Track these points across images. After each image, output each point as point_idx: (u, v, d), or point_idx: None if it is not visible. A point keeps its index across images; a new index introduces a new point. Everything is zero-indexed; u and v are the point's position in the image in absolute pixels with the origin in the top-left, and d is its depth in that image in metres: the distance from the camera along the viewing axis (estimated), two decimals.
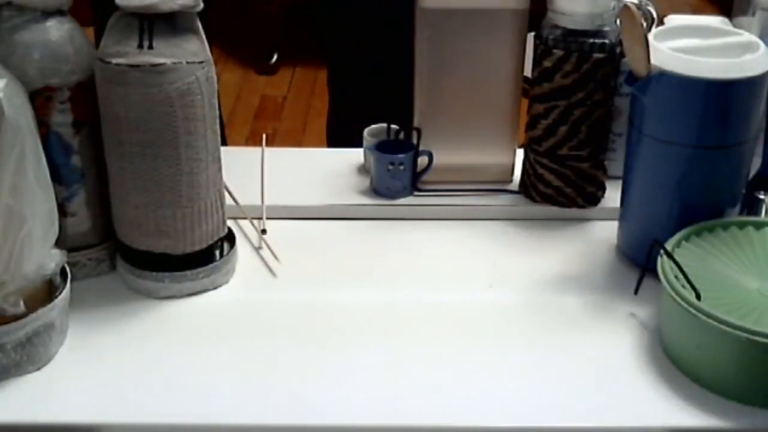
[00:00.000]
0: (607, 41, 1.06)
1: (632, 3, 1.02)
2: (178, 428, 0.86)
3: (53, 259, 0.89)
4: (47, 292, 0.91)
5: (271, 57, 3.18)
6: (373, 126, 1.21)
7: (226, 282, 1.02)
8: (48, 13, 0.93)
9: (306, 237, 1.11)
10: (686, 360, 0.89)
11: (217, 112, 0.97)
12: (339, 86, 1.71)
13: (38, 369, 0.89)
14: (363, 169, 1.21)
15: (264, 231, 1.09)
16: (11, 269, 0.85)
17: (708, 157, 0.97)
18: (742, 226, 0.98)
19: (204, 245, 0.99)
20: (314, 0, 1.69)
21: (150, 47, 0.90)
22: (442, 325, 0.97)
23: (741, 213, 1.04)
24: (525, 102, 1.14)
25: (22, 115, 0.84)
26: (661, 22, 1.13)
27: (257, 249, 1.08)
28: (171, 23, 0.91)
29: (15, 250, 0.84)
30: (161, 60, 0.90)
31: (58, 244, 0.98)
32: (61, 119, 0.95)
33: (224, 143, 1.85)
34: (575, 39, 1.06)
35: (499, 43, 1.11)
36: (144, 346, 0.93)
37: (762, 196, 1.04)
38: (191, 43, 0.92)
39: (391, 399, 0.87)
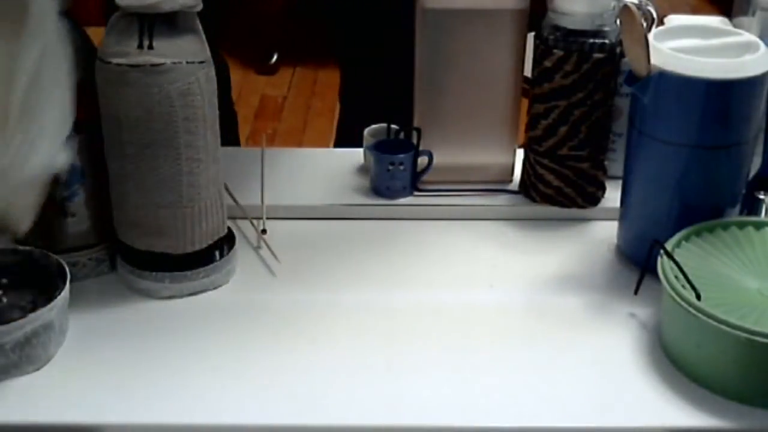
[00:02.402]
0: (607, 41, 1.06)
1: (632, 3, 1.02)
2: (178, 428, 0.86)
3: (62, 156, 0.86)
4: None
5: (271, 57, 3.18)
6: (373, 126, 1.21)
7: (226, 282, 1.02)
8: None
9: (306, 237, 1.11)
10: (686, 360, 0.89)
11: (218, 112, 0.97)
12: (352, 89, 1.71)
13: (37, 369, 0.89)
14: (363, 169, 1.21)
15: (264, 231, 1.09)
16: (19, 161, 0.81)
17: (708, 157, 0.97)
18: (742, 226, 0.98)
19: (204, 245, 0.99)
20: (316, 1, 1.68)
21: (150, 47, 0.90)
22: (442, 325, 0.97)
23: (741, 213, 1.04)
24: (525, 102, 1.14)
25: (48, 4, 0.80)
26: (661, 22, 1.13)
27: (257, 249, 1.08)
28: (171, 23, 0.91)
29: (25, 144, 0.81)
30: (161, 60, 0.90)
31: (58, 244, 0.98)
32: None
33: (238, 143, 1.84)
34: (575, 39, 1.06)
35: (499, 43, 1.11)
36: (144, 346, 0.93)
37: (762, 196, 1.04)
38: (191, 43, 0.92)
39: (391, 399, 0.87)
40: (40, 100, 0.81)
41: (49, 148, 0.84)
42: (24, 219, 0.84)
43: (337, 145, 1.75)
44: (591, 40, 1.06)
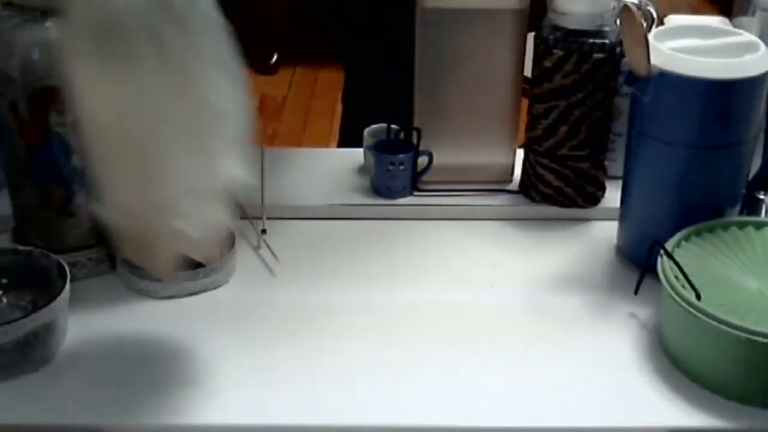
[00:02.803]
0: (607, 41, 1.06)
1: (632, 3, 1.02)
2: (178, 428, 0.86)
3: (244, 170, 0.78)
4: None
5: (271, 57, 3.18)
6: (373, 126, 1.21)
7: (226, 282, 1.02)
8: (48, 13, 0.93)
9: (306, 237, 1.10)
10: (686, 360, 0.89)
11: None
12: (356, 90, 1.70)
13: (37, 370, 0.89)
14: (363, 169, 1.21)
15: (264, 231, 1.09)
16: (206, 176, 0.75)
17: (708, 157, 0.97)
18: (742, 226, 0.98)
19: None
20: (320, 2, 1.67)
21: None
22: (442, 325, 0.97)
23: (741, 213, 1.04)
24: (525, 102, 1.14)
25: (213, 6, 0.76)
26: (661, 22, 1.13)
27: (257, 249, 1.08)
28: None
29: (223, 153, 0.75)
30: None
31: (58, 244, 0.98)
32: (61, 119, 0.95)
33: None
34: (575, 39, 1.06)
35: (499, 43, 1.11)
36: (144, 346, 0.93)
37: (762, 196, 1.04)
38: None
39: (391, 399, 0.87)
40: (221, 101, 0.76)
41: (232, 160, 0.78)
42: (214, 244, 0.80)
43: (341, 146, 1.74)
44: (591, 40, 1.06)
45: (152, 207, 0.75)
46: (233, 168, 0.77)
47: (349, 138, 1.67)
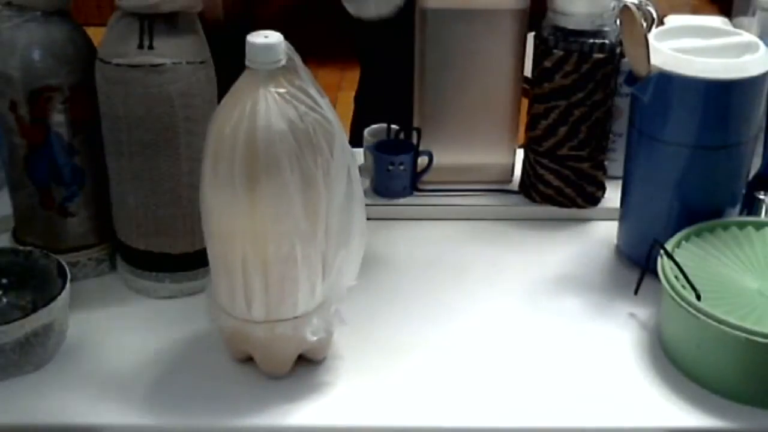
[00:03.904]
0: (607, 41, 1.06)
1: (632, 3, 1.02)
2: (178, 429, 0.86)
3: (354, 281, 0.89)
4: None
5: None
6: (373, 126, 1.21)
7: None
8: (48, 13, 0.93)
9: None
10: (686, 360, 0.89)
11: None
12: (370, 91, 1.70)
13: (37, 369, 0.89)
14: (363, 169, 1.20)
15: None
16: (335, 286, 0.86)
17: (708, 157, 0.97)
18: (742, 226, 0.98)
19: (204, 245, 0.99)
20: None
21: (150, 47, 0.90)
22: (441, 325, 0.97)
23: (741, 213, 1.04)
24: (525, 102, 1.14)
25: (345, 137, 0.84)
26: (661, 22, 1.13)
27: None
28: (171, 23, 0.91)
29: (342, 266, 0.86)
30: (161, 60, 0.90)
31: (58, 244, 0.98)
32: (61, 119, 0.95)
33: None
34: (575, 39, 1.06)
35: (499, 43, 1.11)
36: (144, 346, 0.93)
37: (762, 196, 1.04)
38: (191, 43, 0.92)
39: (389, 399, 0.87)
40: (349, 222, 0.85)
41: (354, 266, 0.88)
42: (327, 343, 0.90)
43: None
44: (591, 40, 1.06)
45: (284, 319, 0.85)
46: (350, 281, 0.88)
47: (357, 137, 1.67)
